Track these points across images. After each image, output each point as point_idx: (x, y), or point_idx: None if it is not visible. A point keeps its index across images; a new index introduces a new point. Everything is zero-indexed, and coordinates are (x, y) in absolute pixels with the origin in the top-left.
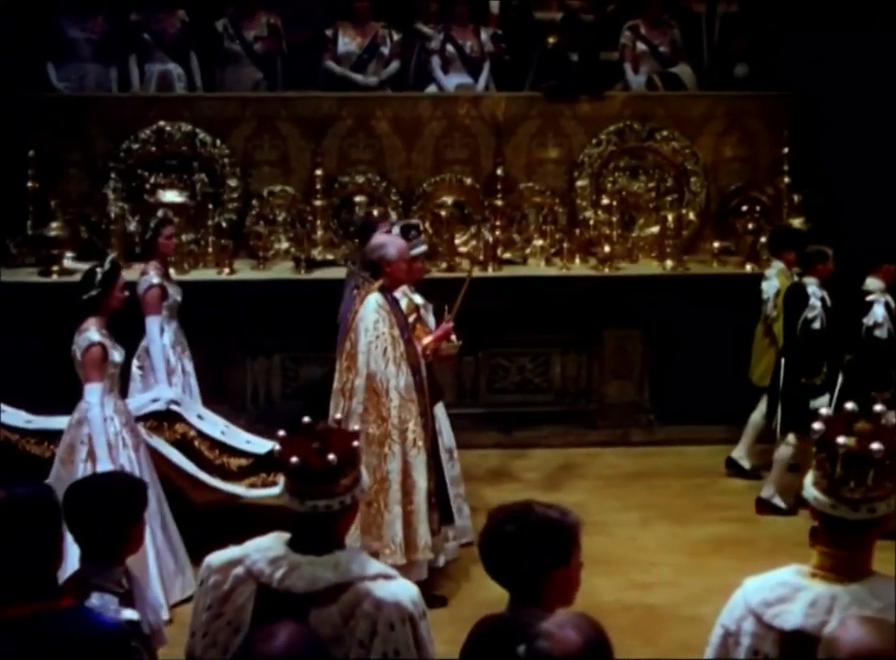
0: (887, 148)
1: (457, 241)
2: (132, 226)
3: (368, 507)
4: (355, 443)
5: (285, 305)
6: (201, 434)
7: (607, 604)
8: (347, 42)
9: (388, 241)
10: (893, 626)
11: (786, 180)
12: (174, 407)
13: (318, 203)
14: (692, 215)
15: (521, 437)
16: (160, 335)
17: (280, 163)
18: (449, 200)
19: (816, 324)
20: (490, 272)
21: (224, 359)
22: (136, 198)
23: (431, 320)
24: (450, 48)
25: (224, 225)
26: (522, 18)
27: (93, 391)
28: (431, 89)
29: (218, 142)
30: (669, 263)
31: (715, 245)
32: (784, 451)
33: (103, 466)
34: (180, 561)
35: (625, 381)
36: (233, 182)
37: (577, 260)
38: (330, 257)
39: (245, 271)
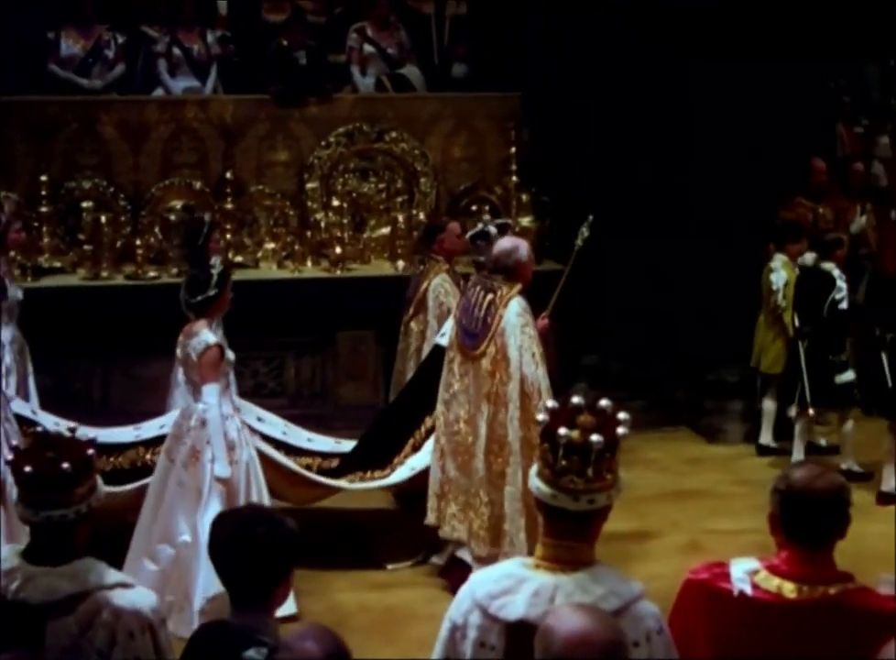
0: (609, 146)
1: None
2: None
3: (528, 510)
4: (90, 451)
5: None
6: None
7: (347, 605)
8: (70, 45)
9: (519, 244)
10: (605, 612)
11: (514, 179)
12: None
13: (44, 209)
14: (422, 216)
15: None
16: None
17: (4, 169)
18: (178, 204)
19: (844, 305)
20: None
21: None
22: None
23: None
24: (176, 51)
25: None
26: (252, 20)
27: (212, 392)
28: (158, 92)
29: None
30: (401, 263)
31: None
32: (849, 426)
33: (221, 467)
34: None
35: (359, 382)
36: None
37: (309, 263)
38: (58, 264)
39: None
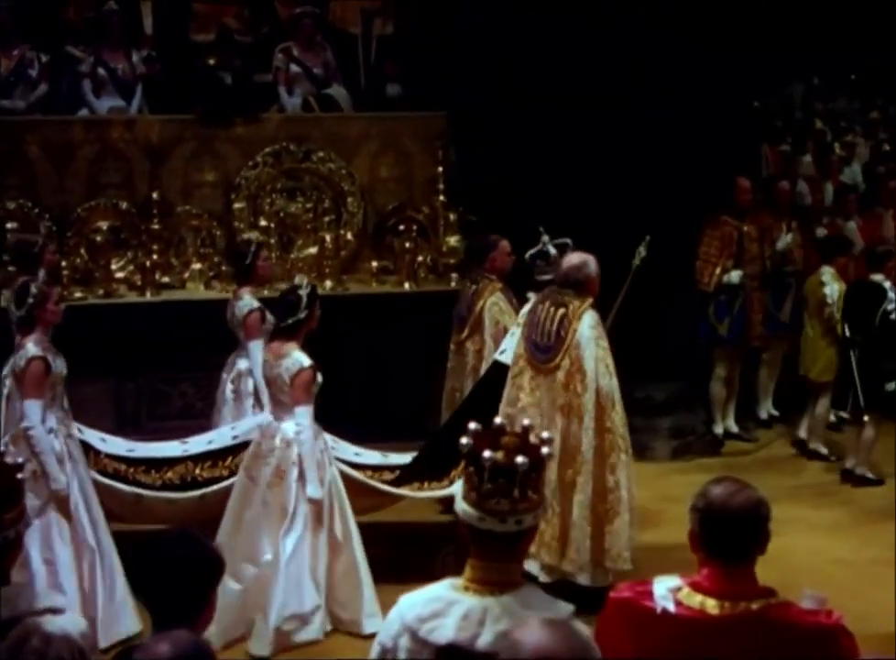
0: (535, 164)
1: (114, 267)
2: None
3: (594, 518)
4: (19, 475)
5: None
6: None
7: None
8: None
9: (588, 259)
10: (574, 628)
11: (441, 198)
12: None
13: None
14: (350, 236)
15: None
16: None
17: None
18: (104, 225)
19: (895, 315)
20: (148, 298)
21: None
22: None
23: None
24: (101, 70)
25: None
26: (178, 39)
27: (305, 414)
28: (84, 113)
29: None
30: (328, 283)
31: (374, 264)
32: (870, 432)
33: (313, 487)
34: None
35: None
36: None
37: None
38: None
39: None
